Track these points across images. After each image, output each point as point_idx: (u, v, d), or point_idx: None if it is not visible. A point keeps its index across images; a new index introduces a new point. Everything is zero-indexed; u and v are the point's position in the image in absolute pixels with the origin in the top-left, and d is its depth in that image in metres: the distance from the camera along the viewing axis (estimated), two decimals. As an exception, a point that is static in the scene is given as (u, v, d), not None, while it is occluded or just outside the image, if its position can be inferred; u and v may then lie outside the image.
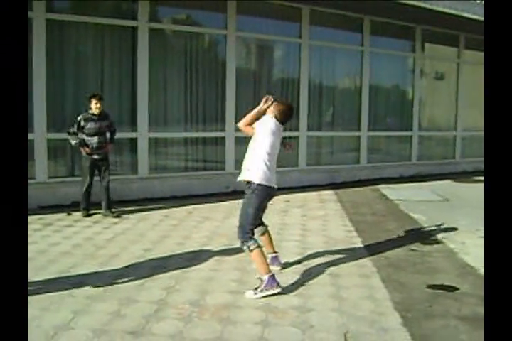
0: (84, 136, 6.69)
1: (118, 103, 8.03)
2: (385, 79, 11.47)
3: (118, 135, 7.46)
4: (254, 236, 4.13)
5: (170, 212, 7.09)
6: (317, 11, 9.68)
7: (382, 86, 11.44)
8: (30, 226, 6.07)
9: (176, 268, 4.56)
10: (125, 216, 6.75)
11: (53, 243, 5.38)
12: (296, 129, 9.71)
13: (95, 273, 4.41)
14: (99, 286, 4.08)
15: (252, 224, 4.14)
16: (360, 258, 4.98)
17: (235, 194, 8.49)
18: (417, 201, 8.26)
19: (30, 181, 7.22)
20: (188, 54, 8.60)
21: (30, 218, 6.48)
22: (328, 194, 8.81)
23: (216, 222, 6.48)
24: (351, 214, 7.14)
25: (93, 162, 6.76)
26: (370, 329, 3.35)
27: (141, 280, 4.23)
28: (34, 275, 4.30)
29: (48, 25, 7.20)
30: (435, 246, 5.46)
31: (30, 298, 3.80)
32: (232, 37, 8.84)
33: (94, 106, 6.61)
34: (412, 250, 5.29)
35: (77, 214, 6.74)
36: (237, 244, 4.73)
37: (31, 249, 5.12)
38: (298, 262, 4.80)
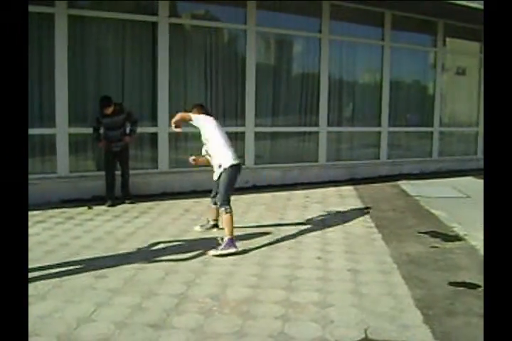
0: (105, 130, 7.07)
1: (139, 98, 8.08)
2: (406, 74, 11.35)
3: (139, 130, 7.52)
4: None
5: (190, 206, 7.13)
6: (337, 5, 9.60)
7: (403, 81, 11.33)
8: (52, 220, 6.16)
9: (196, 263, 4.59)
10: (145, 210, 6.81)
11: (75, 236, 5.45)
12: (316, 125, 9.68)
13: (116, 266, 4.45)
14: (120, 279, 4.12)
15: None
16: (380, 254, 4.96)
17: (255, 188, 8.54)
18: (437, 197, 8.18)
19: (52, 175, 7.35)
20: (208, 49, 8.61)
21: (53, 211, 6.58)
22: (348, 190, 8.77)
23: (235, 217, 6.45)
24: (371, 209, 7.10)
25: (112, 154, 7.11)
26: (390, 326, 3.33)
27: (162, 274, 4.26)
28: (56, 267, 4.36)
29: (70, 20, 7.27)
30: (456, 243, 5.41)
31: (53, 289, 3.87)
32: (252, 32, 8.82)
33: (106, 110, 6.94)
34: (433, 247, 5.25)
35: (98, 208, 6.81)
36: (257, 238, 5.36)
37: (54, 241, 5.21)
38: (318, 257, 4.80)
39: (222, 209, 5.05)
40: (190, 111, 5.37)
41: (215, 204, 5.51)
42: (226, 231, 4.93)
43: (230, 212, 5.00)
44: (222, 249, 4.79)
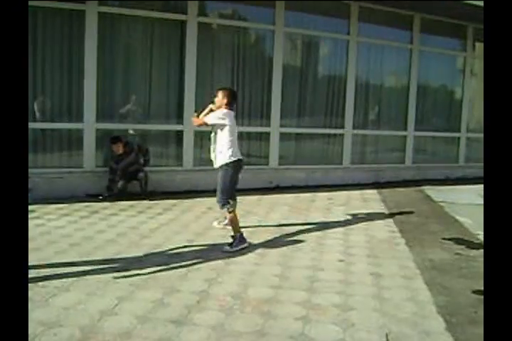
0: (123, 169, 7.25)
1: (165, 95, 8.14)
2: (434, 78, 11.21)
3: (164, 127, 7.59)
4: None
5: (213, 204, 7.09)
6: (366, 7, 9.54)
7: (431, 85, 11.19)
8: (78, 213, 6.24)
9: (218, 260, 4.61)
10: (169, 207, 6.85)
11: (99, 230, 5.51)
12: (342, 127, 9.63)
13: (139, 261, 4.50)
14: (142, 274, 4.16)
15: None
16: (403, 259, 4.91)
17: (278, 189, 8.53)
18: (462, 204, 8.07)
19: (78, 170, 7.45)
20: (235, 48, 8.64)
21: (78, 205, 6.67)
22: (371, 193, 8.71)
23: (258, 217, 6.50)
24: (395, 214, 7.04)
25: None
26: (412, 332, 3.30)
27: (184, 271, 4.29)
28: (80, 260, 4.42)
29: (100, 18, 7.35)
30: (481, 250, 5.32)
31: (76, 282, 3.92)
32: (279, 32, 8.81)
33: (116, 149, 7.16)
34: (457, 254, 5.18)
35: (124, 203, 6.88)
36: (280, 239, 5.41)
37: (79, 235, 5.28)
38: (340, 260, 4.77)
39: (224, 209, 5.14)
40: (214, 97, 5.23)
41: None
42: (233, 230, 5.09)
43: (233, 211, 5.09)
44: (234, 246, 4.95)
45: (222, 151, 5.11)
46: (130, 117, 7.89)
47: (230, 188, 5.16)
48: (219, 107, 5.15)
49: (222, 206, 5.13)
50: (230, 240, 5.06)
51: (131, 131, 7.64)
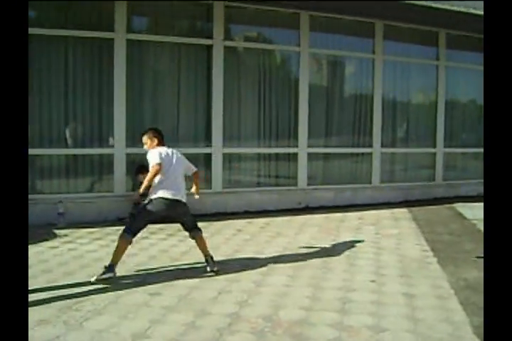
0: None
1: (193, 119, 8.26)
2: (462, 94, 11.10)
3: (193, 150, 7.69)
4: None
5: (243, 226, 7.17)
6: (390, 25, 9.58)
7: (459, 101, 11.08)
8: (109, 237, 6.32)
9: (249, 283, 4.60)
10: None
11: (130, 254, 5.55)
12: (370, 145, 9.59)
13: (170, 284, 4.52)
14: (174, 297, 4.18)
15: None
16: (437, 278, 4.83)
17: (307, 210, 8.51)
18: (496, 221, 7.90)
19: (109, 194, 7.56)
20: (261, 71, 8.74)
21: (110, 229, 6.76)
22: (402, 212, 8.61)
23: (288, 238, 6.48)
24: (426, 233, 6.94)
25: None
26: (448, 353, 3.24)
27: (215, 293, 4.30)
28: (113, 283, 4.47)
29: (128, 45, 7.56)
30: (517, 268, 5.20)
31: (109, 305, 3.96)
32: (305, 53, 8.90)
33: (140, 179, 6.98)
34: (492, 272, 5.06)
35: (153, 227, 6.93)
36: (310, 260, 5.32)
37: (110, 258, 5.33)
38: (372, 281, 4.72)
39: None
40: (143, 135, 5.09)
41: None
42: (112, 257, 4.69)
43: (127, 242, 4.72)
44: (100, 275, 4.54)
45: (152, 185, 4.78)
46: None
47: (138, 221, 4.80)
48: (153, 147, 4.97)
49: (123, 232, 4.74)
50: (263, 262, 4.99)
51: None
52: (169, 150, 4.97)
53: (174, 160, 4.91)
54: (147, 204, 4.78)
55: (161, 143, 5.04)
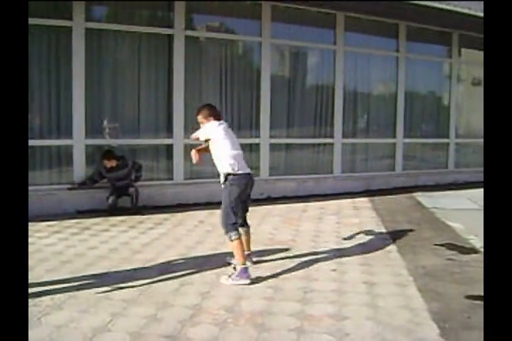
0: (112, 181, 7.29)
1: (154, 109, 8.15)
2: (421, 85, 11.31)
3: (154, 141, 7.61)
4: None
5: (205, 217, 7.14)
6: (351, 17, 9.64)
7: (418, 92, 11.29)
8: (68, 230, 6.22)
9: (211, 274, 4.59)
10: (160, 221, 6.84)
11: (91, 247, 5.49)
12: (331, 136, 9.68)
13: (131, 277, 4.47)
14: (135, 290, 4.13)
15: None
16: (396, 266, 4.92)
17: (269, 200, 8.53)
18: (454, 209, 8.11)
19: (68, 186, 7.41)
20: (223, 61, 8.68)
21: (69, 222, 6.64)
22: (363, 201, 8.74)
23: (251, 228, 6.48)
24: (386, 221, 7.06)
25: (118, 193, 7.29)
26: (406, 339, 3.30)
27: (177, 285, 4.27)
28: (72, 277, 4.39)
29: (87, 33, 7.38)
30: (473, 255, 5.35)
31: (69, 300, 3.90)
32: (266, 44, 8.88)
33: (109, 165, 7.10)
34: (450, 259, 5.20)
35: (114, 219, 6.86)
36: (271, 251, 5.35)
37: (70, 252, 5.25)
38: (333, 270, 4.77)
39: (227, 236, 4.45)
40: (198, 113, 4.75)
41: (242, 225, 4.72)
42: (238, 260, 4.43)
43: (237, 238, 4.42)
44: (233, 279, 4.34)
45: (223, 165, 4.53)
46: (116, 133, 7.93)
47: (232, 209, 4.46)
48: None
49: (227, 234, 4.45)
50: (224, 256, 4.98)
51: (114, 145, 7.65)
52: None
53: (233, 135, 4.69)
54: (231, 186, 4.44)
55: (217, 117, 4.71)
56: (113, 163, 7.08)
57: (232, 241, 4.40)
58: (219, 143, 4.52)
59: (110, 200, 7.06)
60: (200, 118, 4.71)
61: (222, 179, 4.55)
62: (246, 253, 4.63)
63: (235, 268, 4.46)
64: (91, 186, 7.31)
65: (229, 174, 4.47)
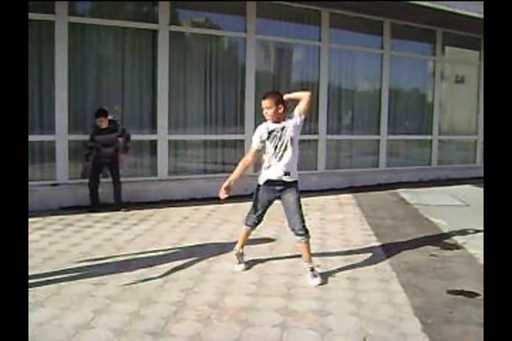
0: (99, 147, 7.13)
1: (138, 105, 8.11)
2: (405, 83, 11.39)
3: (138, 137, 7.56)
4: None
5: (189, 214, 7.13)
6: (337, 14, 9.67)
7: (402, 89, 11.37)
8: (51, 227, 6.16)
9: (195, 270, 4.59)
10: (144, 217, 6.81)
11: (74, 243, 5.44)
12: (316, 133, 9.70)
13: (115, 273, 4.45)
14: (118, 287, 4.11)
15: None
16: (379, 262, 4.95)
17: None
18: (437, 206, 8.19)
19: (51, 182, 7.34)
20: (207, 57, 8.66)
21: (52, 218, 6.58)
22: (347, 197, 8.78)
23: (235, 225, 6.49)
24: (370, 217, 7.11)
25: (99, 165, 7.15)
26: (389, 334, 3.33)
27: (160, 282, 4.26)
28: (55, 274, 4.36)
29: (70, 28, 7.31)
30: (455, 251, 5.41)
31: (51, 297, 3.86)
32: (251, 40, 8.87)
33: (99, 123, 6.95)
34: (432, 255, 5.24)
35: (96, 215, 6.81)
36: (257, 247, 5.35)
37: (53, 248, 5.20)
38: (317, 265, 4.78)
39: (300, 238, 4.40)
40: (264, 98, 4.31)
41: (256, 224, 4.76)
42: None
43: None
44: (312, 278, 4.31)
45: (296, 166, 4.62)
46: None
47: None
48: (278, 118, 4.32)
49: (299, 235, 4.42)
50: (209, 250, 4.99)
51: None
52: None
53: None
54: (297, 189, 4.74)
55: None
56: (106, 124, 6.96)
57: (306, 242, 4.44)
58: (296, 141, 4.48)
59: (91, 186, 7.05)
60: (272, 108, 4.26)
61: (289, 179, 4.66)
62: (240, 251, 4.72)
63: (312, 269, 4.36)
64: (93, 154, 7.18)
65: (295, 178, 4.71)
